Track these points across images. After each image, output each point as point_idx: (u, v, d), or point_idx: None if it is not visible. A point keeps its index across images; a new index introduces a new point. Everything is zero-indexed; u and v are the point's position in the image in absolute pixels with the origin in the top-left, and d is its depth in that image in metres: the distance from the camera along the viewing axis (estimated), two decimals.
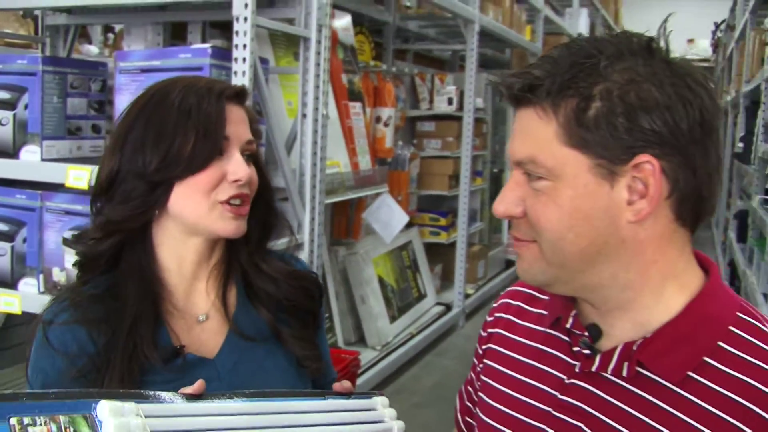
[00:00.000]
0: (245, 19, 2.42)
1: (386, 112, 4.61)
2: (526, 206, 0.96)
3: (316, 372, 1.34)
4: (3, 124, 2.78)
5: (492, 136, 6.70)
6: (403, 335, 4.72)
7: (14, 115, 2.75)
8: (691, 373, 0.93)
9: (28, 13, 4.31)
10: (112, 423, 0.87)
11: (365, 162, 4.10)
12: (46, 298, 2.78)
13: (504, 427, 1.08)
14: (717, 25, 11.77)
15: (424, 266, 5.43)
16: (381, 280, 4.69)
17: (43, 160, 2.72)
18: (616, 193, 0.92)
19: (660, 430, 0.93)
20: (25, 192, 2.76)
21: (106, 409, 0.88)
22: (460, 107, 5.58)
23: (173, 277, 1.28)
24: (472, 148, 5.43)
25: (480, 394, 1.17)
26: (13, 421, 0.84)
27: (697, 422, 0.91)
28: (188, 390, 1.00)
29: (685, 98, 0.90)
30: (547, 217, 0.94)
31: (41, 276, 2.78)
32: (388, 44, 5.54)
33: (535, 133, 0.94)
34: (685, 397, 0.92)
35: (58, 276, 2.74)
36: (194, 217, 1.23)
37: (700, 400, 0.92)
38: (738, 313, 0.96)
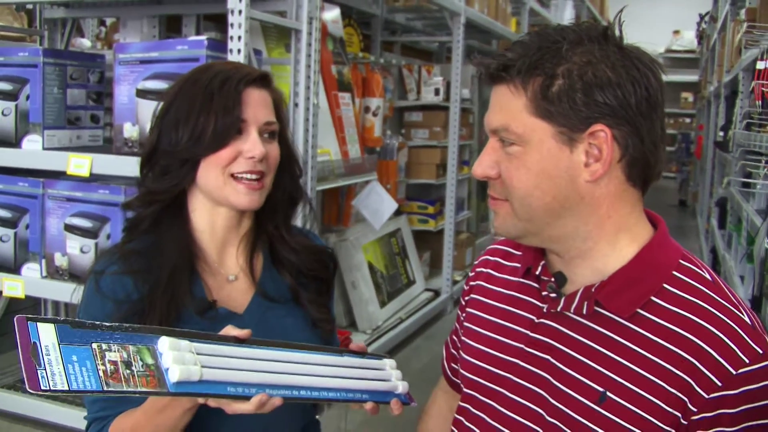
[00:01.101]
0: (239, 11, 2.53)
1: (375, 102, 4.71)
2: (501, 168, 1.13)
3: (328, 333, 1.51)
4: (5, 115, 2.88)
5: (478, 126, 6.80)
6: (393, 320, 4.84)
7: (16, 106, 2.85)
8: (640, 310, 1.09)
9: (20, 7, 4.38)
10: (171, 355, 1.05)
11: (355, 151, 4.21)
12: (49, 283, 2.89)
13: (483, 363, 1.25)
14: (702, 17, 11.88)
15: (412, 253, 5.54)
16: (371, 266, 4.80)
17: (44, 149, 2.82)
18: (575, 156, 1.08)
19: (614, 358, 1.09)
20: (27, 180, 2.86)
21: (166, 343, 1.07)
22: (447, 98, 5.67)
23: (206, 239, 1.45)
24: (458, 138, 5.53)
25: (463, 338, 1.34)
26: (95, 346, 1.02)
27: (645, 351, 1.07)
28: (236, 332, 1.18)
29: (633, 77, 1.06)
30: (518, 177, 1.10)
31: (44, 261, 2.88)
32: (376, 36, 5.63)
33: (507, 106, 1.10)
34: (635, 330, 1.09)
35: (60, 261, 2.84)
36: (214, 189, 1.39)
37: (648, 332, 1.08)
38: (680, 261, 1.13)
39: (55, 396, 2.97)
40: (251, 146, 1.37)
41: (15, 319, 1.00)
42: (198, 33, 3.24)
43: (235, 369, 1.13)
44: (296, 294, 1.49)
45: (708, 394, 1.02)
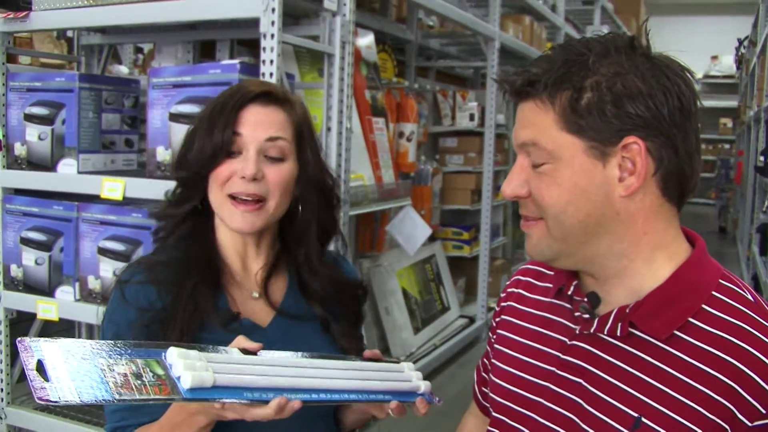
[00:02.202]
0: (272, 35, 2.53)
1: (409, 128, 4.70)
2: (531, 187, 1.09)
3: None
4: (42, 139, 2.91)
5: (513, 151, 6.75)
6: (427, 346, 4.79)
7: (52, 130, 2.88)
8: (677, 332, 1.04)
9: (61, 35, 4.46)
10: (182, 363, 1.04)
11: (389, 176, 4.19)
12: (82, 306, 2.89)
13: (513, 387, 1.21)
14: (740, 42, 11.76)
15: (447, 279, 5.50)
16: (405, 292, 4.76)
17: (79, 172, 2.84)
18: (608, 171, 1.04)
19: (649, 382, 1.04)
20: (62, 203, 2.88)
21: (174, 353, 1.06)
22: (482, 123, 5.65)
23: (229, 253, 1.45)
24: (494, 163, 5.50)
25: (493, 360, 1.30)
26: (101, 361, 1.00)
27: (682, 375, 1.02)
28: (246, 344, 1.16)
29: (664, 86, 1.03)
30: (550, 194, 1.07)
31: (77, 284, 2.88)
32: (411, 62, 5.64)
33: (535, 121, 1.07)
34: (672, 353, 1.04)
35: (93, 284, 2.85)
36: (216, 208, 1.40)
37: (685, 355, 1.03)
38: (720, 280, 1.08)
39: (80, 417, 2.97)
40: (243, 165, 1.36)
41: (17, 341, 1.00)
42: (232, 57, 3.25)
43: (249, 374, 1.10)
44: (326, 325, 1.47)
45: (751, 422, 0.97)
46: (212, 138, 1.36)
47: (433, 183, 5.37)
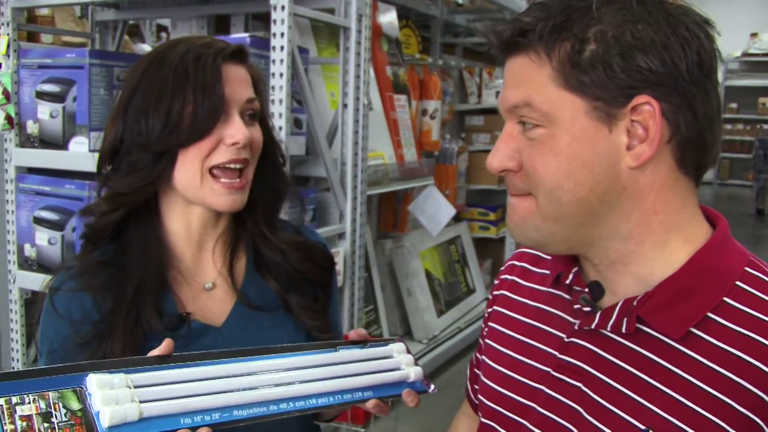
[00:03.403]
0: (282, 7, 2.45)
1: (432, 105, 4.60)
2: (522, 158, 0.94)
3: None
4: (53, 117, 2.86)
5: None
6: (451, 329, 4.70)
7: (63, 108, 2.83)
8: (693, 329, 0.89)
9: (84, 14, 4.42)
10: (99, 395, 0.88)
11: (411, 154, 4.10)
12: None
13: (504, 389, 1.07)
14: None
15: (473, 261, 5.40)
16: (428, 274, 4.68)
17: (91, 150, 2.79)
18: (615, 137, 0.89)
19: (659, 388, 0.89)
20: (74, 182, 2.84)
21: (94, 382, 0.90)
22: None
23: (181, 242, 1.26)
24: None
25: (484, 357, 1.15)
26: (2, 401, 0.84)
27: (698, 380, 0.88)
28: (156, 352, 0.99)
29: (682, 38, 0.88)
30: (545, 166, 0.91)
31: None
32: (436, 38, 5.52)
33: (528, 78, 0.92)
34: (687, 354, 0.89)
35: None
36: (190, 188, 1.21)
37: (703, 357, 0.88)
38: (746, 268, 0.92)
39: None
40: (234, 130, 1.17)
41: None
42: (246, 32, 3.18)
43: (188, 396, 0.95)
44: (284, 300, 1.29)
45: None
46: (195, 103, 1.15)
47: (459, 162, 5.25)
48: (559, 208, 0.92)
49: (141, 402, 0.91)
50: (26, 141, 2.92)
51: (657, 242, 0.93)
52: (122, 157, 1.21)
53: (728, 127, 14.45)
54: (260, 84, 1.29)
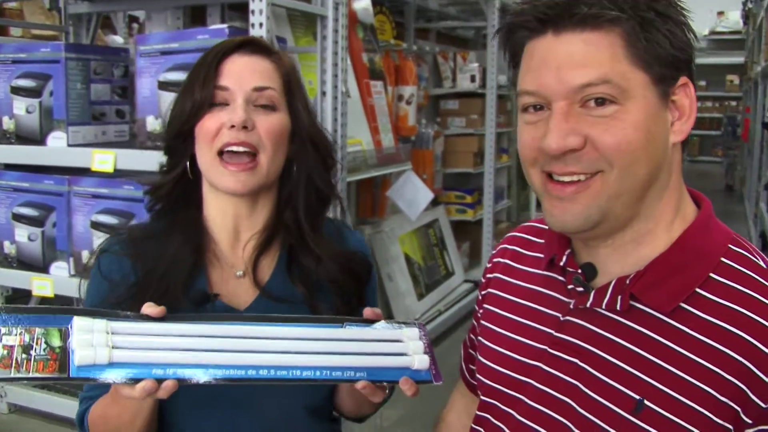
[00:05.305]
0: None
1: (408, 90, 4.61)
2: (591, 135, 0.92)
3: None
4: (30, 112, 2.84)
5: (516, 112, 6.66)
6: (431, 312, 4.75)
7: (40, 103, 2.81)
8: (682, 304, 0.94)
9: (53, 6, 4.37)
10: (76, 338, 0.97)
11: (388, 140, 4.11)
12: (77, 282, 2.85)
13: (502, 368, 1.10)
14: None
15: (451, 244, 5.44)
16: (408, 258, 4.71)
17: (69, 145, 2.77)
18: (666, 113, 0.94)
19: (652, 360, 0.93)
20: (53, 177, 2.82)
21: (76, 324, 0.98)
22: (483, 84, 5.55)
23: (217, 228, 1.35)
24: (496, 125, 5.41)
25: (480, 338, 1.19)
26: None
27: (688, 352, 0.92)
28: (148, 310, 1.06)
29: (686, 19, 0.93)
30: (628, 141, 0.91)
31: (71, 259, 2.84)
32: (410, 23, 5.52)
33: (597, 55, 0.91)
34: (677, 327, 0.93)
35: (88, 259, 2.80)
36: (207, 171, 1.30)
37: (692, 330, 0.92)
38: (730, 245, 0.97)
39: None
40: (230, 114, 1.25)
41: None
42: (223, 23, 3.17)
43: (162, 350, 1.00)
44: (312, 306, 1.31)
45: (765, 403, 0.88)
46: (192, 94, 1.27)
47: (435, 146, 5.28)
48: (631, 183, 0.93)
49: (114, 348, 0.98)
50: (2, 137, 2.90)
51: (668, 222, 0.98)
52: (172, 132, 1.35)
53: (697, 104, 14.57)
54: (293, 79, 1.35)
